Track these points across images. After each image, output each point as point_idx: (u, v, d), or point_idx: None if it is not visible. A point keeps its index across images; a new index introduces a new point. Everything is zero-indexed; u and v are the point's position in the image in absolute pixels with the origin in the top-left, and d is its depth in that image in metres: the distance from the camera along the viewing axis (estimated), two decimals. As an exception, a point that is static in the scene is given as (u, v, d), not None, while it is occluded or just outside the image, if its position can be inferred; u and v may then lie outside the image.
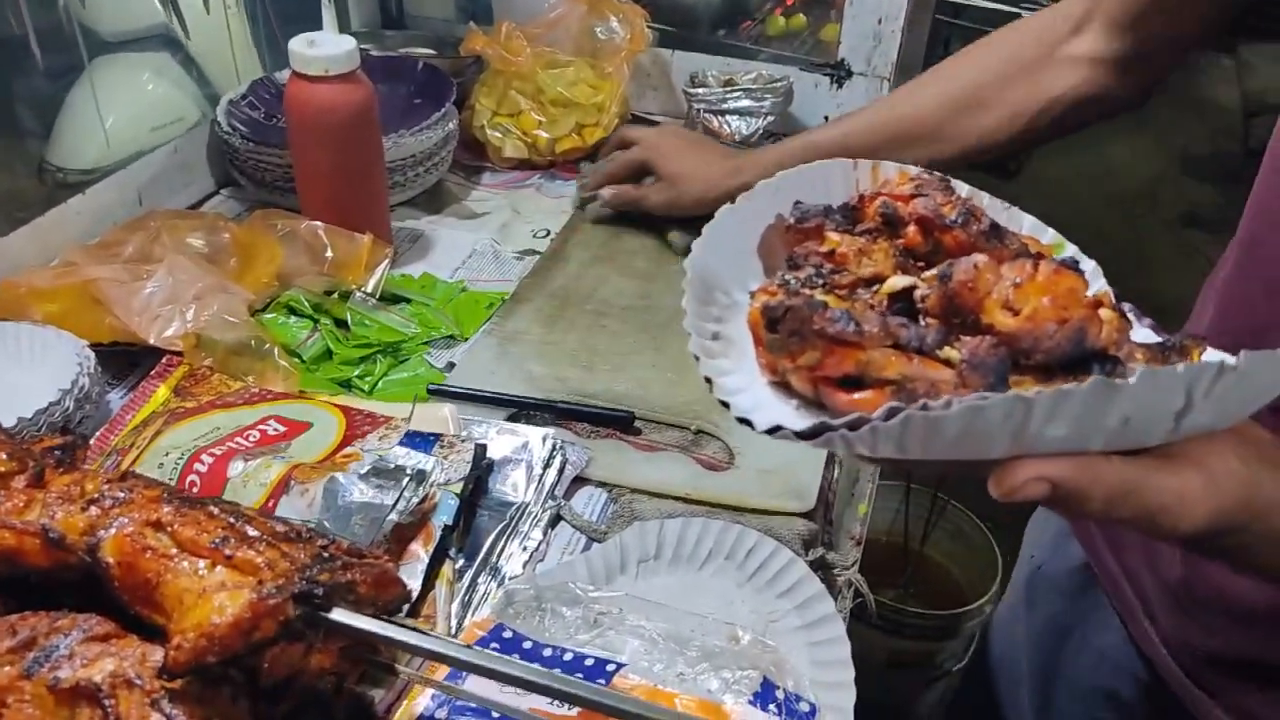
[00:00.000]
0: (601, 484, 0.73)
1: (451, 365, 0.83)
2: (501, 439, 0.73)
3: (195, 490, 0.62)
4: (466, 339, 0.87)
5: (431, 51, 1.30)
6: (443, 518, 0.64)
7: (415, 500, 0.63)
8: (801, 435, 0.36)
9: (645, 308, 0.91)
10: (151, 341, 0.76)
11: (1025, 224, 0.48)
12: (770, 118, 1.18)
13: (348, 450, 0.64)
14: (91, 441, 0.72)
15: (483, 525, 0.68)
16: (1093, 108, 0.80)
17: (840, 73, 1.22)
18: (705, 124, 1.19)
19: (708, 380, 0.40)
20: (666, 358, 0.84)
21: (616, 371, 0.82)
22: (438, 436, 0.69)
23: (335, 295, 0.86)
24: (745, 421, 0.38)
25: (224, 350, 0.74)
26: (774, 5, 1.58)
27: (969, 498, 1.79)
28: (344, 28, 1.31)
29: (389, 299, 0.89)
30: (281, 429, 0.66)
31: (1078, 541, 0.82)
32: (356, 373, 0.81)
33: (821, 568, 0.67)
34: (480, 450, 0.70)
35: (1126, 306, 0.42)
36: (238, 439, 0.65)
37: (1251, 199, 0.62)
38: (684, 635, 0.59)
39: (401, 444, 0.68)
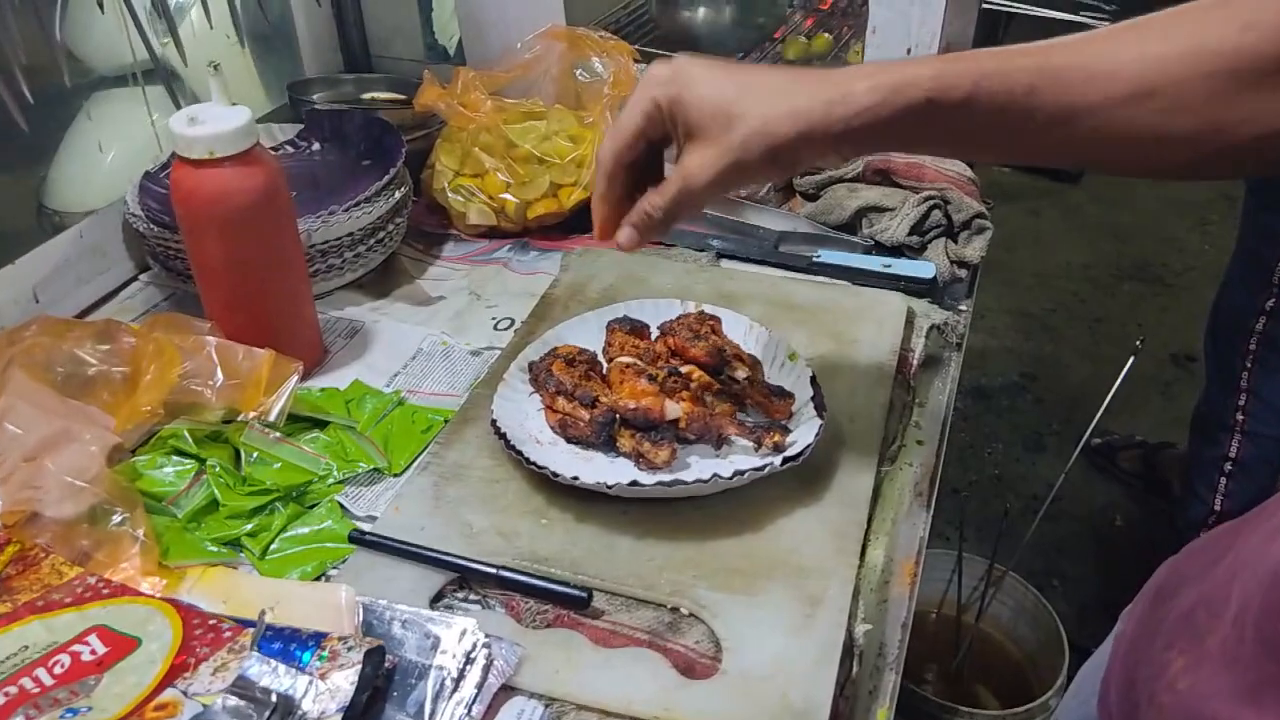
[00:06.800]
0: (538, 695, 0.56)
1: (373, 518, 0.67)
2: (408, 636, 0.56)
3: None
4: (396, 475, 0.71)
5: (400, 96, 1.14)
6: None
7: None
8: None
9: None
10: (-28, 515, 0.60)
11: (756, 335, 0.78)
12: (783, 167, 1.00)
13: (164, 697, 0.48)
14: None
15: (376, 764, 0.52)
16: None
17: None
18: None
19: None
20: (639, 503, 0.66)
21: (577, 524, 0.65)
22: (320, 638, 0.53)
23: (233, 424, 0.70)
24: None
25: (63, 523, 0.58)
26: (795, 26, 1.40)
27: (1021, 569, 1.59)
28: (297, 74, 1.16)
29: (304, 420, 0.73)
30: (103, 650, 0.50)
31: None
32: (248, 528, 0.65)
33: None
34: (377, 656, 0.53)
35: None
36: (39, 670, 0.49)
37: None
38: None
39: (263, 648, 0.52)
